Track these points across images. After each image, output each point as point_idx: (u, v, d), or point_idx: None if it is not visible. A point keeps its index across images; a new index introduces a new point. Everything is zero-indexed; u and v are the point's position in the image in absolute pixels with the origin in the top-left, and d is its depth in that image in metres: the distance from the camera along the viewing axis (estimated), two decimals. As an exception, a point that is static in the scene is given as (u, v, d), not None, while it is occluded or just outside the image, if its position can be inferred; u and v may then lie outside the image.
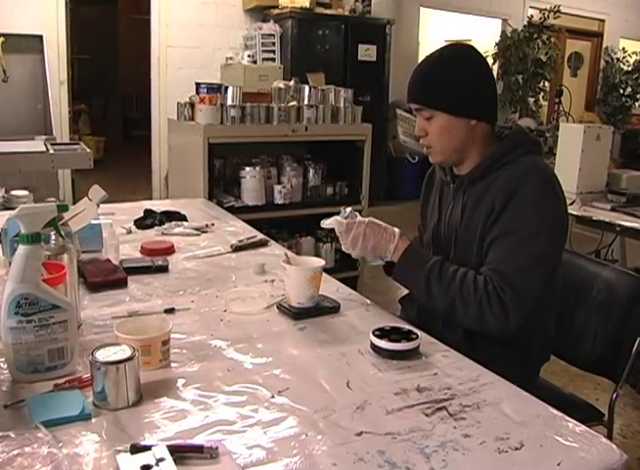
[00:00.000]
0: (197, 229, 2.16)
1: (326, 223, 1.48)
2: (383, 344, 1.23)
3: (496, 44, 8.03)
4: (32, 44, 4.91)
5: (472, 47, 1.55)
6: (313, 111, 3.53)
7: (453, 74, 1.46)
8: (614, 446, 0.96)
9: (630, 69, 9.28)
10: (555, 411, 1.05)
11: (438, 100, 1.45)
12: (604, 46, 9.46)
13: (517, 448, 0.94)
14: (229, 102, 3.32)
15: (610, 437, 1.61)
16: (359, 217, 1.48)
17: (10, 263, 1.14)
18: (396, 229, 1.47)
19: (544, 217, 1.40)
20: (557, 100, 4.85)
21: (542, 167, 1.47)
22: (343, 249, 1.49)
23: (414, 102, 1.50)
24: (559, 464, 0.90)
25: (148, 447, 0.88)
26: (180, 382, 1.11)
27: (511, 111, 8.00)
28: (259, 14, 6.20)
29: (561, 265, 1.52)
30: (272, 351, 1.26)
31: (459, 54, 1.51)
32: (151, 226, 2.19)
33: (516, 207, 1.39)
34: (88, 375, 1.06)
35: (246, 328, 1.36)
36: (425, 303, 1.45)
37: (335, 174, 3.82)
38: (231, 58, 6.02)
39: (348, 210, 1.50)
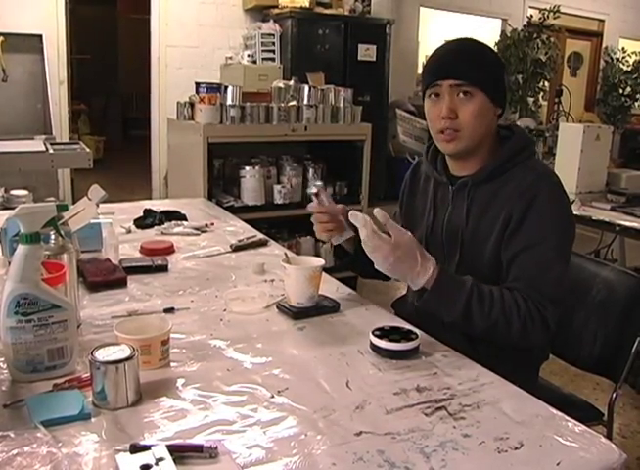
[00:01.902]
0: (196, 229, 2.16)
1: (357, 218, 1.27)
2: (382, 343, 1.23)
3: (496, 44, 8.02)
4: (32, 44, 4.91)
5: None
6: (313, 110, 3.53)
7: (493, 58, 1.47)
8: (613, 445, 0.96)
9: (630, 68, 9.28)
10: (554, 411, 1.05)
11: (483, 78, 1.41)
12: (603, 46, 9.46)
13: (516, 448, 0.94)
14: (229, 101, 3.32)
15: (609, 436, 1.61)
16: (393, 235, 1.26)
17: (9, 263, 1.14)
18: (432, 261, 1.29)
19: (563, 223, 1.40)
20: (556, 100, 4.85)
21: (549, 171, 1.47)
22: (366, 248, 1.28)
23: (455, 78, 1.40)
24: (558, 464, 0.90)
25: (147, 447, 0.88)
26: (180, 382, 1.11)
27: (511, 110, 8.00)
28: (259, 13, 6.20)
29: None
30: (272, 350, 1.26)
31: (487, 44, 1.51)
32: (150, 226, 2.19)
33: (537, 216, 1.37)
34: (88, 375, 1.06)
35: (245, 328, 1.36)
36: (461, 325, 1.34)
37: (334, 174, 3.83)
38: (231, 57, 6.02)
39: (319, 183, 1.46)
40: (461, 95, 1.40)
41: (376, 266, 1.28)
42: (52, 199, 2.07)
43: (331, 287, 1.61)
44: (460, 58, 1.44)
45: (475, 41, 1.48)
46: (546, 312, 1.32)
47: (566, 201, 1.42)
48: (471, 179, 1.47)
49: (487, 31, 8.29)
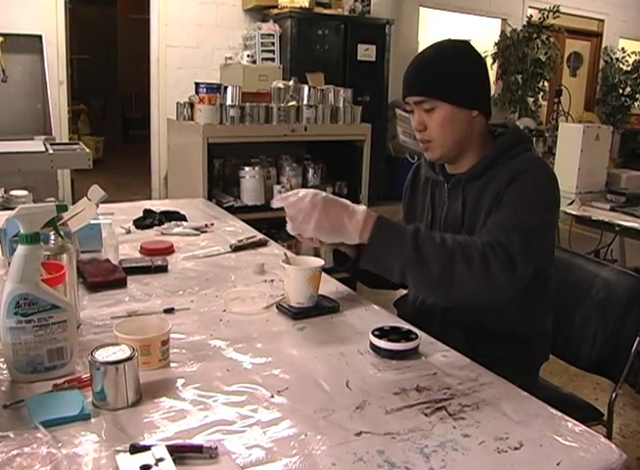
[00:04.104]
0: (196, 229, 2.16)
1: (275, 204, 1.32)
2: (382, 344, 1.23)
3: (495, 44, 8.03)
4: (32, 44, 4.92)
5: (467, 41, 1.55)
6: (312, 111, 3.53)
7: (454, 65, 1.45)
8: (613, 445, 0.96)
9: (629, 68, 9.28)
10: (554, 411, 1.05)
11: (441, 90, 1.43)
12: (603, 46, 9.46)
13: (516, 448, 0.94)
14: (228, 102, 3.32)
15: (609, 436, 1.61)
16: (306, 191, 1.29)
17: (9, 263, 1.14)
18: (361, 205, 1.28)
19: (544, 195, 1.40)
20: (556, 100, 4.86)
21: (542, 161, 1.50)
22: (289, 230, 1.30)
23: (414, 94, 1.46)
24: (558, 464, 0.90)
25: (147, 448, 0.88)
26: (179, 382, 1.11)
27: (510, 110, 8.01)
28: (259, 14, 6.20)
29: (553, 261, 1.53)
30: (271, 350, 1.25)
31: (457, 46, 1.51)
32: (150, 226, 2.19)
33: (517, 185, 1.38)
34: (87, 375, 1.05)
35: (245, 328, 1.36)
36: (414, 276, 1.26)
37: (334, 174, 3.83)
38: (230, 58, 6.02)
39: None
40: (425, 108, 1.45)
41: (294, 231, 1.29)
42: (52, 199, 2.08)
43: (331, 287, 1.61)
44: (416, 75, 1.48)
45: (435, 53, 1.49)
46: (510, 247, 1.27)
47: (549, 186, 1.42)
48: (465, 176, 1.50)
49: (487, 31, 8.30)
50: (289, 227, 1.31)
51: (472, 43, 1.54)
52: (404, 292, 1.73)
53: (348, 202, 1.30)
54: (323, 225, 1.25)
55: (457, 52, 1.48)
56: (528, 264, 1.30)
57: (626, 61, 9.31)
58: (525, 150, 1.48)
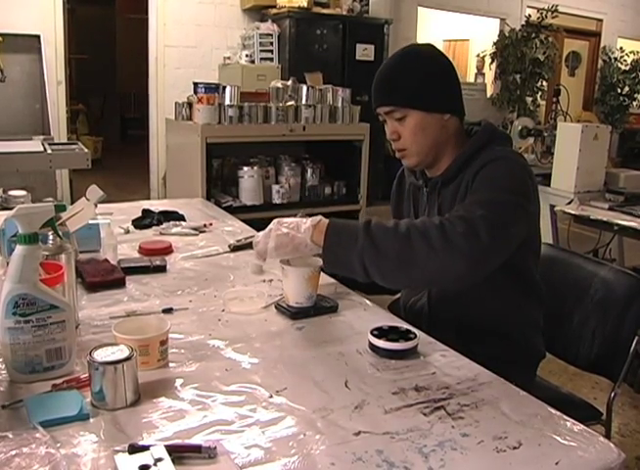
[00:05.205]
0: (195, 229, 2.16)
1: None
2: (381, 343, 1.23)
3: (494, 44, 8.03)
4: (30, 44, 4.91)
5: (431, 45, 1.54)
6: (311, 110, 3.53)
7: (419, 71, 1.45)
8: (612, 444, 0.96)
9: (628, 68, 9.29)
10: (553, 410, 1.05)
11: (408, 97, 1.43)
12: (601, 45, 9.46)
13: (515, 448, 0.94)
14: (227, 102, 3.33)
15: (608, 436, 1.61)
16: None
17: (7, 264, 1.14)
18: (312, 219, 1.32)
19: (514, 180, 1.37)
20: (555, 99, 4.85)
21: (515, 152, 1.49)
22: (256, 257, 1.38)
23: (384, 105, 1.47)
24: (557, 463, 0.90)
25: (146, 447, 0.88)
26: (178, 382, 1.11)
27: (509, 110, 8.00)
28: (257, 13, 6.20)
29: (539, 256, 1.54)
30: (270, 350, 1.25)
31: (420, 51, 1.50)
32: (149, 226, 2.19)
33: (485, 171, 1.37)
34: (86, 375, 1.05)
35: (244, 328, 1.36)
36: (374, 265, 1.24)
37: (333, 174, 3.83)
38: (229, 57, 6.02)
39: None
40: (396, 117, 1.45)
41: (261, 257, 1.35)
42: (50, 199, 2.07)
43: (329, 287, 1.61)
44: (382, 85, 1.47)
45: (400, 61, 1.48)
46: (469, 216, 1.24)
47: (520, 173, 1.39)
48: (440, 179, 1.50)
49: (486, 31, 8.30)
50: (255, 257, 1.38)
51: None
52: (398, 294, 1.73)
53: (300, 218, 1.34)
54: (282, 243, 1.31)
55: (421, 57, 1.48)
56: (495, 235, 1.23)
57: (625, 60, 9.31)
58: (499, 144, 1.47)
